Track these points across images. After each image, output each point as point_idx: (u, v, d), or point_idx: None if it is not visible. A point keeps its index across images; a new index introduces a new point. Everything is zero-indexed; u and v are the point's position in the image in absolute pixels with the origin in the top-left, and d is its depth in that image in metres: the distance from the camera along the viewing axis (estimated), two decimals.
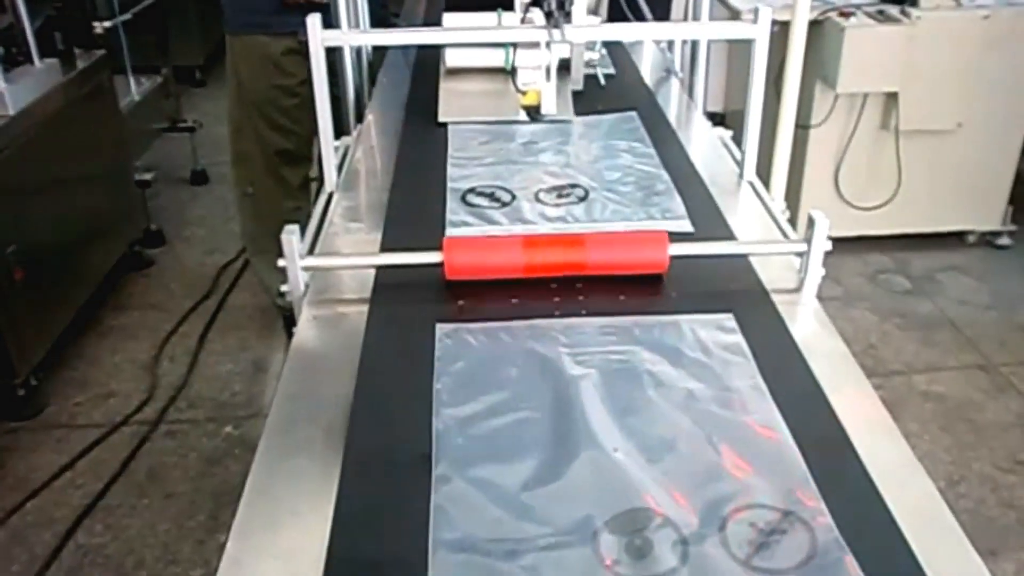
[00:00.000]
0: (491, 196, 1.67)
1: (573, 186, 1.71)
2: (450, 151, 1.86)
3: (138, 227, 3.72)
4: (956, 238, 3.90)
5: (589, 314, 1.31)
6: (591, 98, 2.14)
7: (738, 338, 1.26)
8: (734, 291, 1.38)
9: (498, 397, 1.14)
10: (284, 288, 1.39)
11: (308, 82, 2.89)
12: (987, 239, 3.91)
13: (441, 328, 1.27)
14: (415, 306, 1.35)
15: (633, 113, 2.04)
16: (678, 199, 1.66)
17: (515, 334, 1.26)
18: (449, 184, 1.72)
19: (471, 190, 1.69)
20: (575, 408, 1.11)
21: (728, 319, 1.30)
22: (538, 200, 1.66)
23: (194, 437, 2.82)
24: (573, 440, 1.06)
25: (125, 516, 2.52)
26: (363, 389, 1.15)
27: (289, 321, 3.18)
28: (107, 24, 3.42)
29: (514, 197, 1.67)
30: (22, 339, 2.78)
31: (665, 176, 1.75)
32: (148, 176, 3.81)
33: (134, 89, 3.87)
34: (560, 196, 1.67)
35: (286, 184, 3.01)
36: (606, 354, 1.22)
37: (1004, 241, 3.90)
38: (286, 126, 2.92)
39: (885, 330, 3.36)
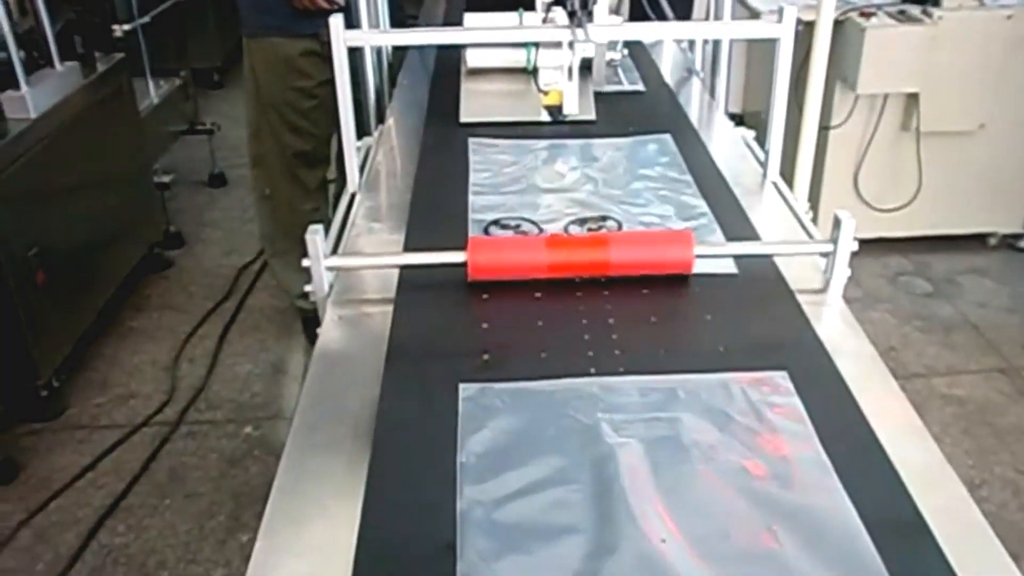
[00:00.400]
0: (516, 229, 1.55)
1: (604, 218, 1.58)
2: (472, 178, 1.75)
3: (157, 229, 3.74)
4: (977, 240, 3.86)
5: (627, 371, 1.18)
6: (617, 107, 2.09)
7: (795, 401, 1.13)
8: (787, 344, 1.25)
9: (528, 473, 1.01)
10: (308, 288, 1.39)
11: (326, 84, 2.90)
12: (1008, 241, 3.87)
13: (464, 389, 1.14)
14: (435, 360, 1.23)
15: (667, 136, 1.92)
16: (719, 234, 1.53)
17: (547, 398, 1.13)
18: (471, 216, 1.60)
19: (495, 222, 1.57)
20: (615, 486, 0.98)
21: (782, 377, 1.17)
22: (568, 234, 1.54)
23: (214, 438, 2.83)
24: (615, 527, 0.93)
25: (147, 516, 2.53)
26: (378, 463, 1.03)
27: (309, 323, 3.22)
28: (126, 27, 3.43)
29: (541, 232, 1.54)
30: (44, 341, 2.79)
31: (704, 207, 1.62)
32: (167, 178, 3.83)
33: (153, 92, 3.88)
34: (591, 231, 1.54)
35: (304, 186, 3.02)
36: (648, 421, 1.09)
37: None
38: (304, 128, 2.92)
39: (905, 333, 3.34)
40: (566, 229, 1.56)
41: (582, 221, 1.58)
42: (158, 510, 2.55)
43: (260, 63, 2.85)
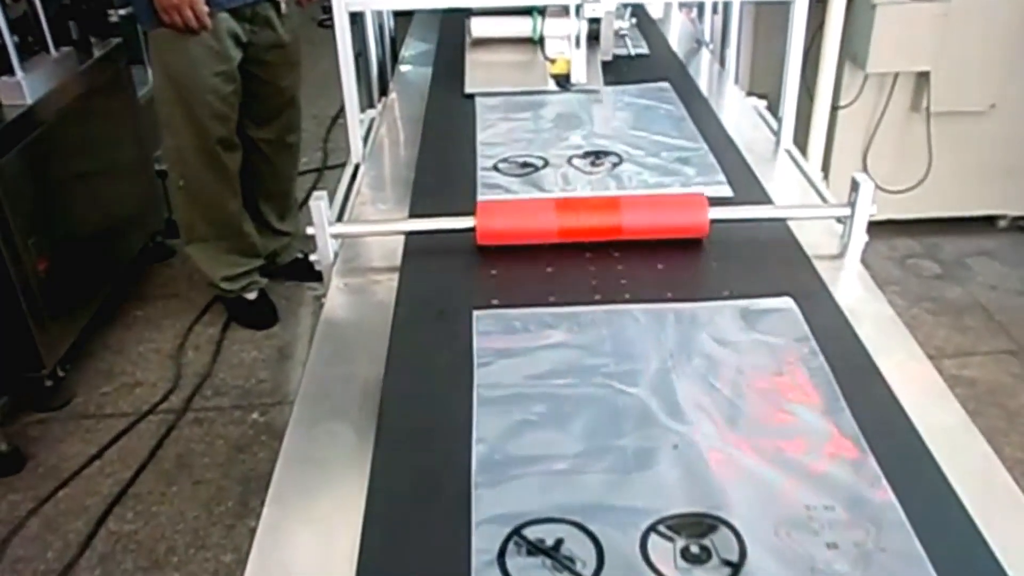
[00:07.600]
0: (523, 164, 1.64)
1: (607, 153, 1.67)
2: (479, 123, 1.83)
3: (160, 217, 3.69)
4: (987, 222, 3.81)
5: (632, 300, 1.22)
6: (623, 72, 2.09)
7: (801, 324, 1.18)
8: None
9: (544, 416, 1.02)
10: (313, 257, 1.36)
11: (243, 65, 2.80)
12: (1019, 224, 3.81)
13: (480, 339, 1.16)
14: (443, 327, 1.21)
15: (666, 83, 1.99)
16: (715, 164, 1.61)
17: (558, 337, 1.16)
18: (480, 153, 1.69)
19: (503, 160, 1.66)
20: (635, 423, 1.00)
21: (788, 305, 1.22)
22: (571, 165, 1.64)
23: (220, 424, 2.81)
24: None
25: (155, 503, 2.52)
26: (389, 413, 1.04)
27: (231, 305, 3.15)
28: (122, 12, 3.37)
29: (547, 163, 1.64)
30: (48, 330, 2.76)
31: (702, 142, 1.70)
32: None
33: (151, 78, 3.84)
34: (594, 164, 1.64)
35: (225, 171, 2.97)
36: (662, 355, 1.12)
37: None
38: (224, 113, 2.86)
39: (915, 315, 3.30)
40: (570, 161, 1.65)
41: (585, 155, 1.68)
42: (166, 497, 2.54)
43: (173, 54, 2.74)
